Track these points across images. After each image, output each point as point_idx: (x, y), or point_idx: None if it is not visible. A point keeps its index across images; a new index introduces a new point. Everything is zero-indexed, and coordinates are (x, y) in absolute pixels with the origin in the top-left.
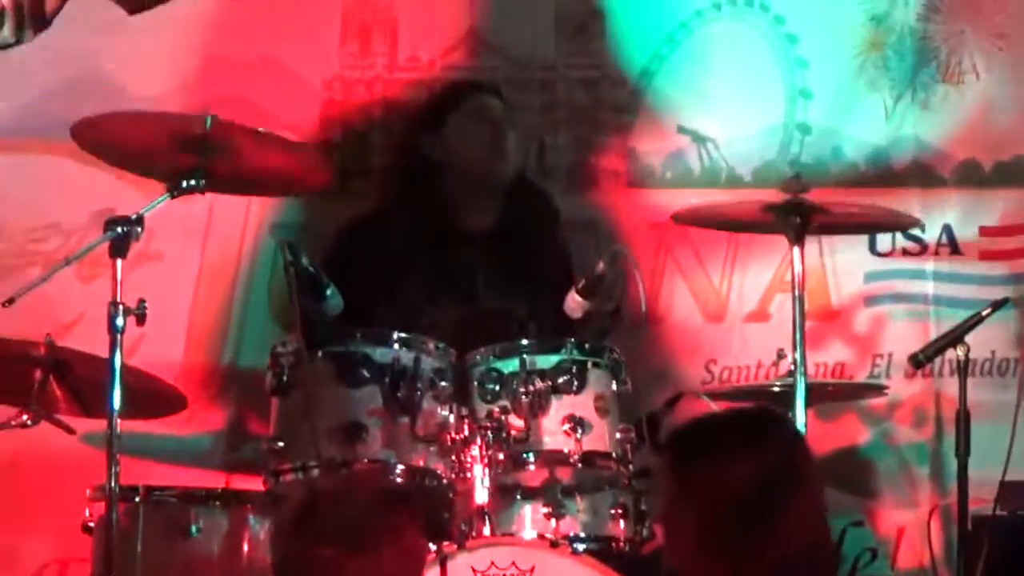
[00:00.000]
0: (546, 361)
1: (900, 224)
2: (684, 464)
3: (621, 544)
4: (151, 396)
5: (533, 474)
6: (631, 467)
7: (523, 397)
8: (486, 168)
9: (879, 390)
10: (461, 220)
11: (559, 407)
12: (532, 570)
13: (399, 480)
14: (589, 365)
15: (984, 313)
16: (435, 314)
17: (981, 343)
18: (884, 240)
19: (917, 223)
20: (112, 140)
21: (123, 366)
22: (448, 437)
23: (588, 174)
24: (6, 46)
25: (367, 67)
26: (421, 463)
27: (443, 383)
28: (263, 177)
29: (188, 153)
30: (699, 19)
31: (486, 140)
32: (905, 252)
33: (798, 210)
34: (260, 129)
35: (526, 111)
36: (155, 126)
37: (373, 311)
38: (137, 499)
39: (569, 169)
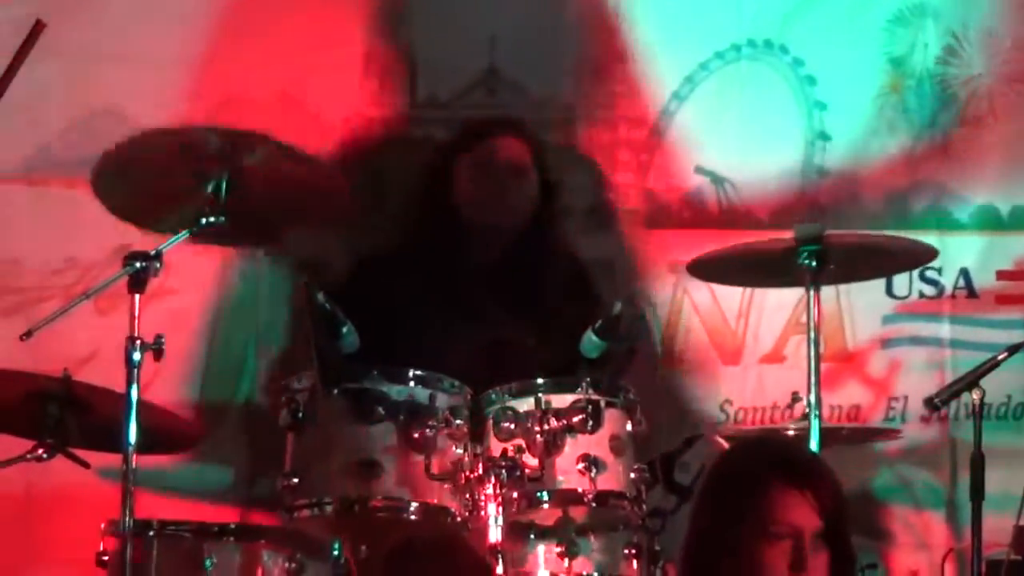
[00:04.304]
0: (561, 400)
1: (916, 254)
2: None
3: None
4: (167, 431)
5: (547, 513)
6: (645, 507)
7: (538, 436)
8: (489, 215)
9: (894, 434)
10: (470, 254)
11: (574, 446)
12: None
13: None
14: (604, 405)
15: (1000, 357)
16: (447, 345)
17: (997, 387)
18: (901, 283)
19: (934, 255)
20: (131, 178)
21: (139, 401)
22: (462, 475)
23: (606, 214)
24: None
25: (386, 105)
26: (435, 501)
27: (458, 421)
28: (282, 194)
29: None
30: (719, 60)
31: (491, 189)
32: (922, 295)
33: (814, 253)
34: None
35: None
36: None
37: (388, 342)
38: (151, 533)
39: (587, 209)
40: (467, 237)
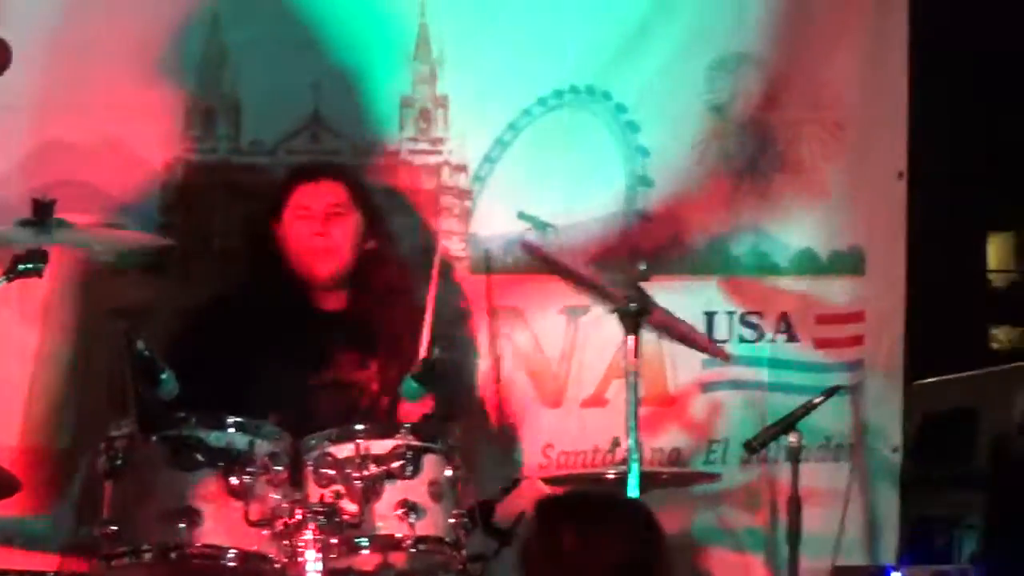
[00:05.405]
0: (381, 446)
1: None
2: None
3: None
4: None
5: (366, 559)
6: (465, 552)
7: (357, 482)
8: (310, 263)
9: (713, 477)
10: (314, 301)
11: (393, 492)
12: None
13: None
14: (423, 450)
15: (816, 401)
16: (290, 387)
17: (816, 429)
18: (721, 327)
19: None
20: None
21: None
22: (281, 522)
23: (429, 259)
24: None
25: (210, 150)
26: (254, 548)
27: (277, 467)
28: None
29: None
30: (541, 107)
31: (308, 236)
32: (742, 339)
33: (635, 300)
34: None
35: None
36: None
37: (225, 388)
38: None
39: (410, 254)
40: (299, 283)
